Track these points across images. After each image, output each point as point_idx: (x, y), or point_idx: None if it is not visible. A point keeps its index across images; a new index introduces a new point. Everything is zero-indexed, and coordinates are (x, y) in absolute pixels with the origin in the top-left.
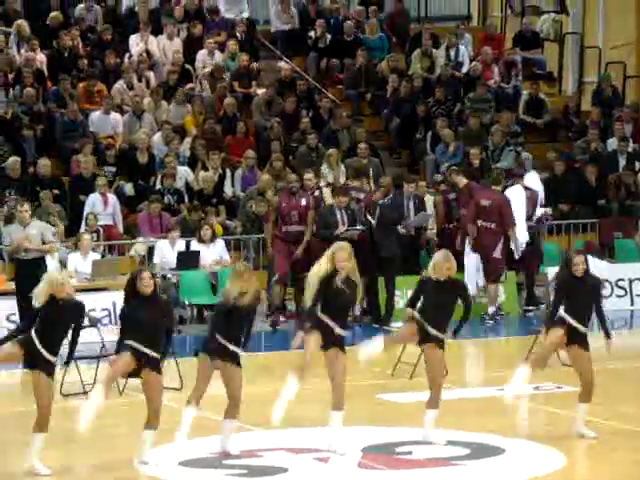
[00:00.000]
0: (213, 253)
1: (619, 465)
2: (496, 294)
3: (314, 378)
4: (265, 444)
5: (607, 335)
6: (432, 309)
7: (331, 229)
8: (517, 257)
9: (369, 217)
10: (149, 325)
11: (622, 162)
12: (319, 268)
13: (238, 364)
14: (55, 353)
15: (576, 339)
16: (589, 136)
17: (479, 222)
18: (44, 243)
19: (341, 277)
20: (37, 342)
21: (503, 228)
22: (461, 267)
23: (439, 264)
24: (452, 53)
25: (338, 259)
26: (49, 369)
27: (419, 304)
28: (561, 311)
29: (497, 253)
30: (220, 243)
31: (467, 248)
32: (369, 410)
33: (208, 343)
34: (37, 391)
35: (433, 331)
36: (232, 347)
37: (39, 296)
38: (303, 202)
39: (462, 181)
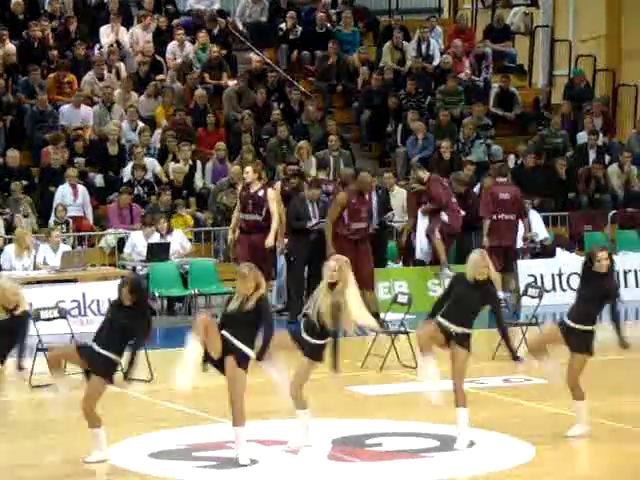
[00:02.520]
0: (174, 244)
1: (587, 457)
2: (513, 282)
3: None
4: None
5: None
6: (459, 307)
7: (303, 221)
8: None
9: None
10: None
11: (592, 155)
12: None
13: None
14: None
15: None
16: (551, 127)
17: (498, 215)
18: None
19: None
20: None
21: (519, 219)
22: None
23: (477, 263)
24: (423, 46)
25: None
26: None
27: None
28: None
29: (520, 242)
30: (178, 233)
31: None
32: (339, 402)
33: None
34: None
35: (459, 329)
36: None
37: None
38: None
39: (425, 175)
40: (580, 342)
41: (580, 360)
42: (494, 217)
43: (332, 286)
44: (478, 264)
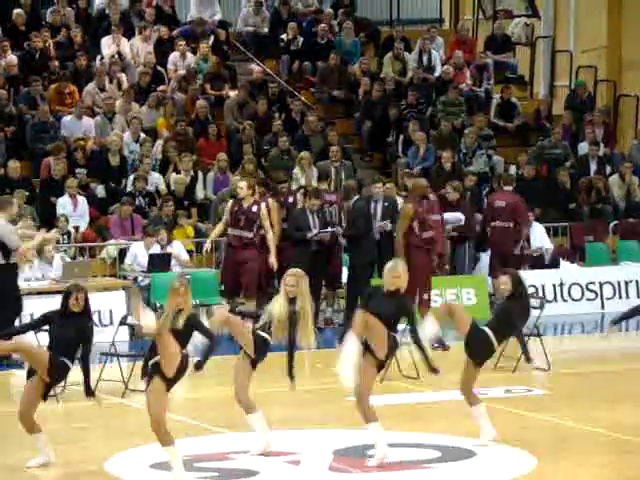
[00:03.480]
0: (174, 255)
1: (588, 468)
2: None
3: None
4: (236, 447)
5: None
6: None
7: (303, 232)
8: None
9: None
10: None
11: (593, 166)
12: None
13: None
14: None
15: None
16: (552, 138)
17: (495, 223)
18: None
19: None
20: None
21: (518, 226)
22: None
23: (386, 273)
24: (424, 57)
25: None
26: None
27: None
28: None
29: (517, 250)
30: (177, 244)
31: None
32: (340, 412)
33: None
34: None
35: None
36: None
37: None
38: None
39: (410, 182)
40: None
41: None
42: (491, 224)
43: (291, 300)
44: (387, 275)
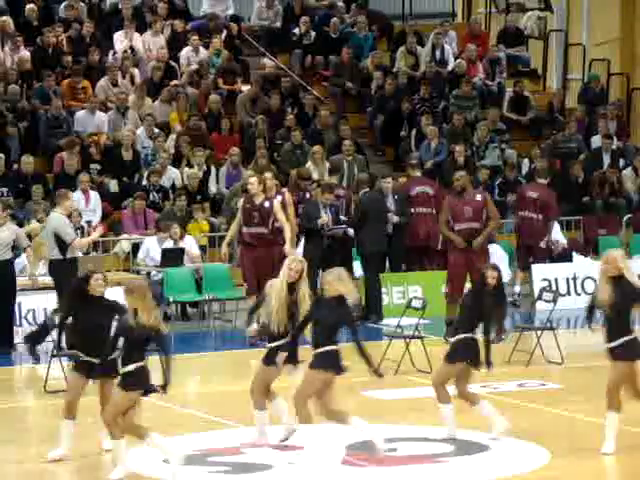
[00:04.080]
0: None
1: (602, 462)
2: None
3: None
4: (249, 441)
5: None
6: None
7: (314, 222)
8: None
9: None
10: None
11: (606, 159)
12: None
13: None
14: None
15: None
16: (567, 131)
17: (524, 213)
18: (14, 247)
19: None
20: None
21: (547, 220)
22: None
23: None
24: (437, 51)
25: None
26: None
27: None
28: None
29: (543, 243)
30: (189, 239)
31: None
32: (353, 407)
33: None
34: None
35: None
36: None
37: None
38: (478, 197)
39: (415, 173)
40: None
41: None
42: (519, 214)
43: (290, 286)
44: (326, 281)
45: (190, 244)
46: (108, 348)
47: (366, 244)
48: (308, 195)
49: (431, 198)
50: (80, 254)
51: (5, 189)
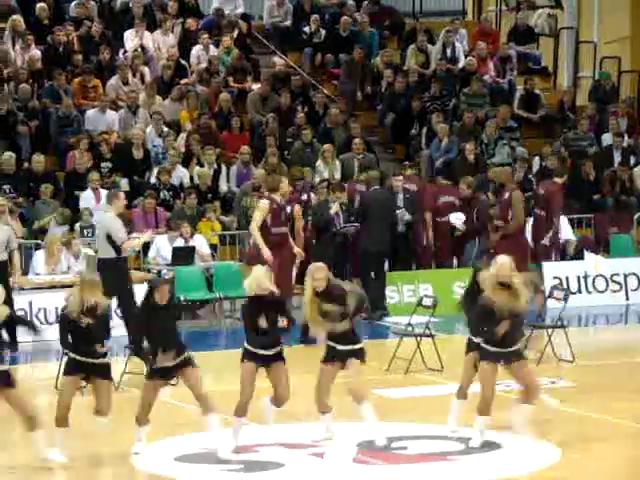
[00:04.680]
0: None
1: (613, 460)
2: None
3: (307, 374)
4: (261, 439)
5: None
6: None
7: (327, 224)
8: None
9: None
10: None
11: (617, 157)
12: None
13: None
14: None
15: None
16: (578, 130)
17: (537, 210)
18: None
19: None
20: None
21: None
22: None
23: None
24: (447, 48)
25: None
26: None
27: None
28: None
29: (546, 240)
30: (199, 238)
31: None
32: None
33: None
34: None
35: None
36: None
37: None
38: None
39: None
40: None
41: None
42: (535, 211)
43: (317, 294)
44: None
45: (200, 243)
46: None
47: (365, 243)
48: (305, 196)
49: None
50: (76, 258)
51: (7, 186)
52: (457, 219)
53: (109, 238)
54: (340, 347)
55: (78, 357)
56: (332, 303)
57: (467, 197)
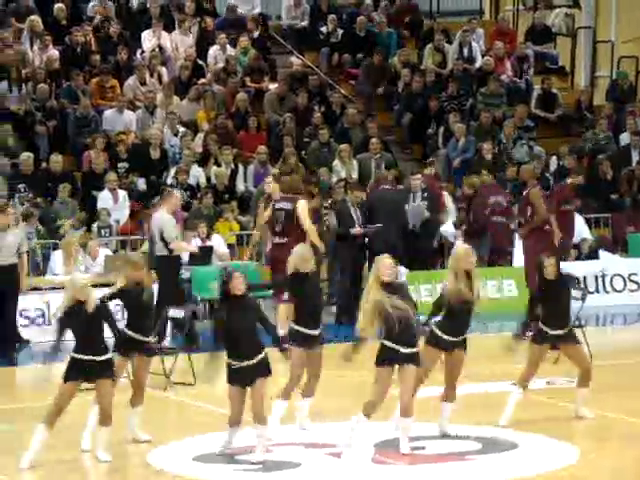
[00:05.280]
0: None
1: (630, 460)
2: None
3: (328, 370)
4: (278, 439)
5: None
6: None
7: (347, 227)
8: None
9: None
10: None
11: (635, 157)
12: None
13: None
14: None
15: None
16: (597, 128)
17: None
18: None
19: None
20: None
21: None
22: None
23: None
24: (465, 48)
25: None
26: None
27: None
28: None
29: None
30: (217, 238)
31: None
32: (381, 405)
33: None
34: None
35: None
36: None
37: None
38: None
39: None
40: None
41: None
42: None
43: (384, 285)
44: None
45: (218, 242)
46: None
47: (374, 243)
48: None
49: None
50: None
51: (22, 185)
52: (447, 231)
53: (162, 236)
54: (403, 350)
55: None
56: (397, 294)
57: (469, 196)
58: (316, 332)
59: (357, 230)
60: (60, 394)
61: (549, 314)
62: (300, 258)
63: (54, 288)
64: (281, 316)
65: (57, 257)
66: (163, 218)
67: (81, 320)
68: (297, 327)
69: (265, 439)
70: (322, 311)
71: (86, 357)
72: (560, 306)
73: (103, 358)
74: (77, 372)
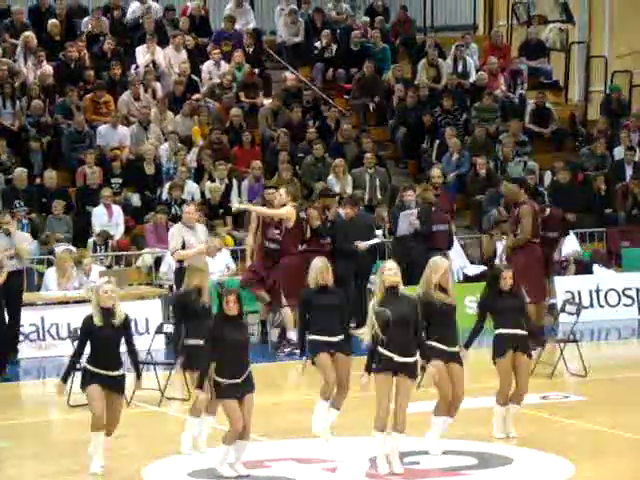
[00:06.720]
0: (219, 263)
1: (625, 474)
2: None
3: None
4: (273, 454)
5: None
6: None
7: (349, 244)
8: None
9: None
10: None
11: (629, 171)
12: None
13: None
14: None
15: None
16: (594, 144)
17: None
18: (17, 254)
19: None
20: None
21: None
22: None
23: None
24: (459, 63)
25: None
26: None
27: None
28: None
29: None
30: (225, 253)
31: None
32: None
33: None
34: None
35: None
36: None
37: None
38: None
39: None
40: None
41: None
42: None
43: (390, 290)
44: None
45: (226, 258)
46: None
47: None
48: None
49: None
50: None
51: (17, 201)
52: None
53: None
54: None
55: None
56: (398, 300)
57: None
58: (334, 339)
59: (362, 244)
60: (90, 400)
61: (502, 324)
62: (319, 271)
63: (47, 304)
64: (289, 319)
65: (51, 274)
66: (174, 228)
67: (104, 334)
68: (313, 336)
69: (243, 452)
70: (344, 320)
71: (104, 372)
72: (513, 315)
73: (118, 373)
74: (93, 379)
